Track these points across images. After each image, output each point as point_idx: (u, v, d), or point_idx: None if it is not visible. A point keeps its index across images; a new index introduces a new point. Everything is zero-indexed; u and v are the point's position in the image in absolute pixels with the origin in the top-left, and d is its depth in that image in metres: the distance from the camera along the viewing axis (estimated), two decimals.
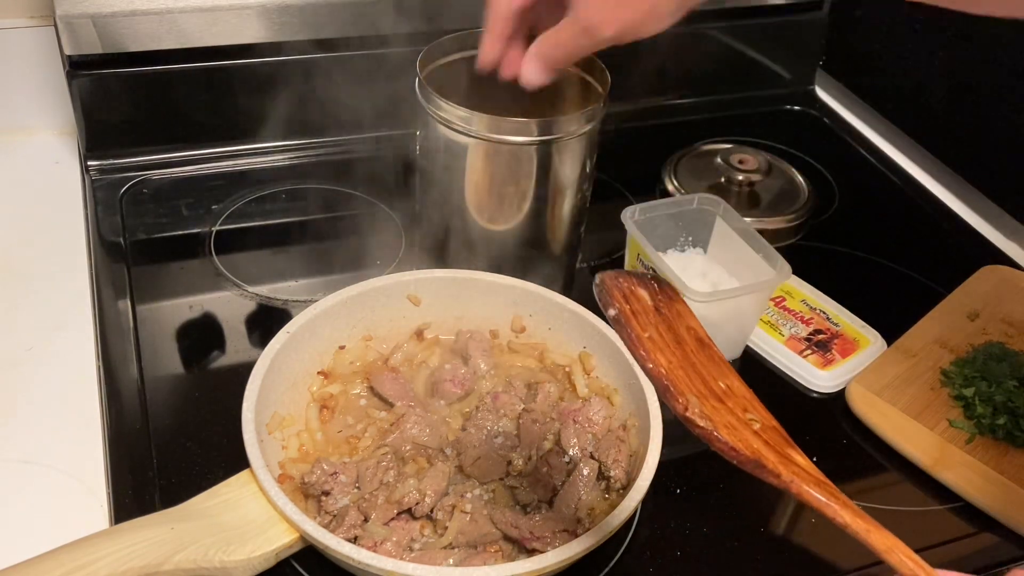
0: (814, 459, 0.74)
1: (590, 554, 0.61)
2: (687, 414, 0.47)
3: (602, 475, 0.68)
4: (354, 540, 0.61)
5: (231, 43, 0.95)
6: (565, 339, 0.78)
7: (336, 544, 0.58)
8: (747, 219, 0.83)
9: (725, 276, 0.84)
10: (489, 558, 0.62)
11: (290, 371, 0.71)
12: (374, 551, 0.59)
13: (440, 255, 0.85)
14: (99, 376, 0.76)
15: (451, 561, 0.62)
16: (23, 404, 0.73)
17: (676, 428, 0.53)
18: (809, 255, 0.97)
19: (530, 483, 0.67)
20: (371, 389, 0.74)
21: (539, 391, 0.73)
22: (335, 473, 0.65)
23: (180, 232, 0.92)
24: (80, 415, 0.73)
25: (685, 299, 0.52)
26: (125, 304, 0.83)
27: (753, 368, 0.83)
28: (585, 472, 0.67)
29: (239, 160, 1.01)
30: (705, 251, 0.87)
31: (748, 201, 1.01)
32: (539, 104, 0.85)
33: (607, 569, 0.65)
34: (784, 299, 0.87)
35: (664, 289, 0.52)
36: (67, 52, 0.91)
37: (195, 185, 0.97)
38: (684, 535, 0.68)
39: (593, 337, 0.76)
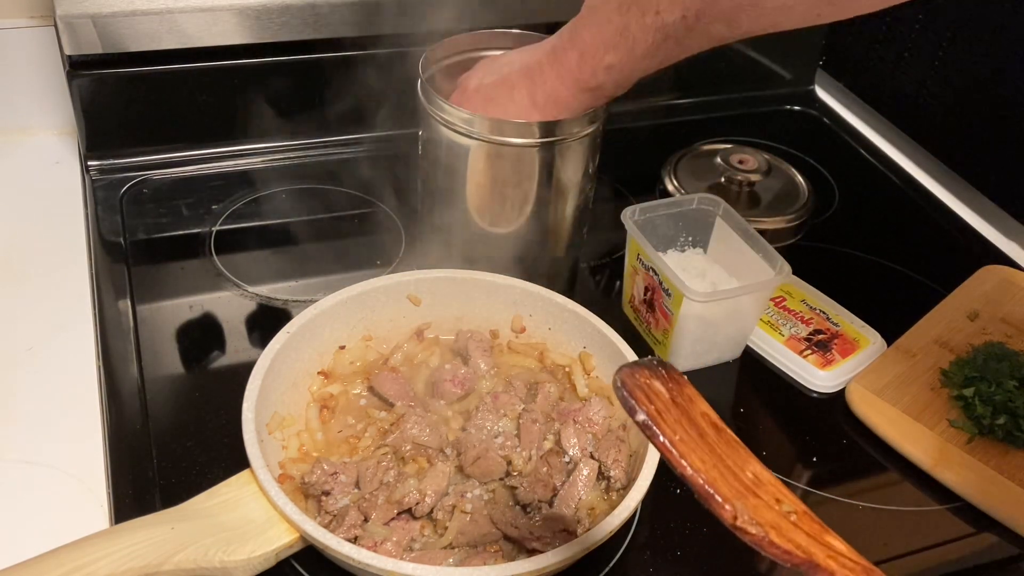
0: (814, 459, 0.76)
1: (590, 554, 0.61)
2: (738, 523, 0.45)
3: (602, 475, 0.68)
4: (354, 540, 0.61)
5: (231, 43, 0.95)
6: (565, 339, 0.78)
7: (336, 544, 0.58)
8: (747, 219, 0.83)
9: (725, 276, 0.84)
10: (489, 558, 0.62)
11: (290, 371, 0.71)
12: (374, 551, 0.59)
13: (440, 255, 0.85)
14: (99, 376, 0.76)
15: (451, 561, 0.62)
16: (23, 404, 0.73)
17: None
18: (809, 255, 0.97)
19: (530, 483, 0.67)
20: (371, 389, 0.74)
21: (539, 391, 0.73)
22: (335, 473, 0.65)
23: (180, 232, 0.92)
24: (80, 415, 0.73)
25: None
26: (125, 304, 0.83)
27: (753, 368, 0.83)
28: (585, 472, 0.67)
29: (239, 160, 1.01)
30: (705, 251, 0.87)
31: (748, 201, 1.01)
32: None
33: (607, 569, 0.65)
34: (784, 299, 0.87)
35: (672, 375, 0.51)
36: (67, 52, 0.91)
37: (195, 185, 0.97)
38: (684, 535, 0.68)
39: (593, 337, 0.76)
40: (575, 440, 0.69)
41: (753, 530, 0.45)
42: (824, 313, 0.85)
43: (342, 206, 0.97)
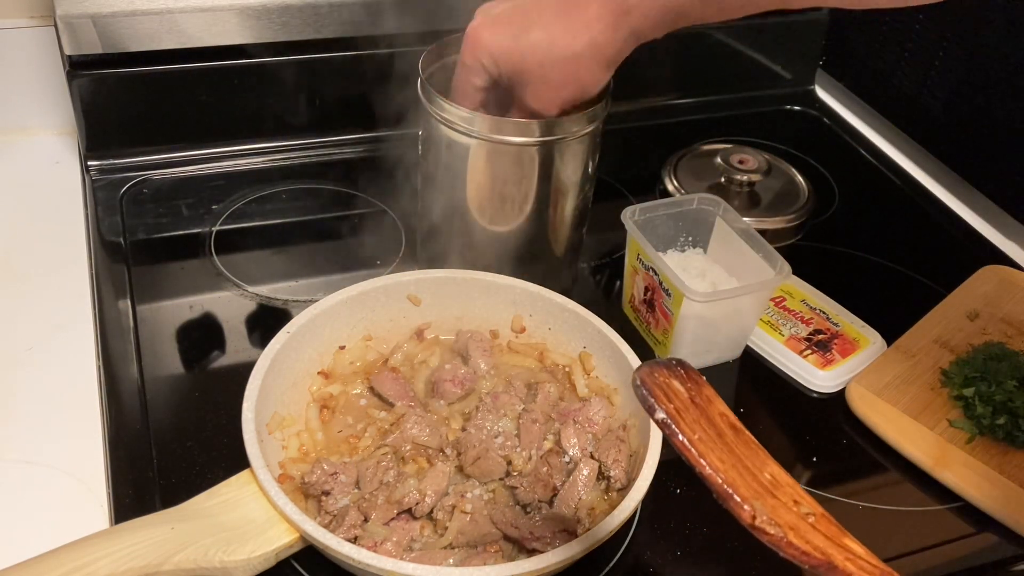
0: (814, 459, 0.76)
1: (590, 554, 0.60)
2: (756, 523, 0.45)
3: (602, 475, 0.68)
4: (354, 540, 0.61)
5: (231, 43, 0.95)
6: (565, 339, 0.78)
7: (336, 544, 0.58)
8: (747, 219, 0.83)
9: (725, 276, 0.84)
10: (489, 558, 0.62)
11: (290, 371, 0.71)
12: (374, 551, 0.59)
13: (440, 255, 0.85)
14: (99, 376, 0.76)
15: (451, 561, 0.62)
16: (23, 404, 0.73)
17: None
18: (809, 255, 0.97)
19: (530, 483, 0.67)
20: (371, 389, 0.74)
21: (539, 391, 0.73)
22: (335, 473, 0.65)
23: (180, 232, 0.92)
24: (80, 415, 0.73)
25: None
26: (125, 304, 0.83)
27: (753, 368, 0.83)
28: (585, 472, 0.67)
29: (239, 160, 1.01)
30: (705, 251, 0.87)
31: (748, 201, 1.01)
32: None
33: (607, 569, 0.65)
34: (784, 299, 0.87)
35: (690, 375, 0.51)
36: (67, 52, 0.91)
37: (195, 185, 0.97)
38: (684, 535, 0.68)
39: (593, 337, 0.76)
40: (575, 440, 0.69)
41: (772, 531, 0.45)
42: (824, 313, 0.85)
43: (342, 206, 0.97)
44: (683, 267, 0.84)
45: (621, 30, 0.68)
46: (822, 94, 1.25)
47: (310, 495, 0.65)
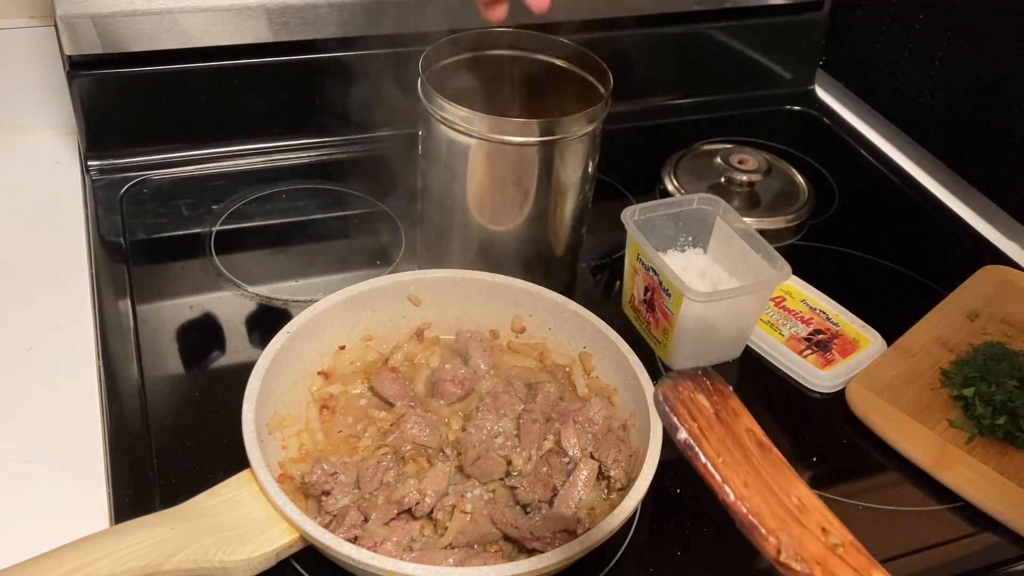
0: (814, 459, 0.76)
1: (590, 554, 0.61)
2: (781, 559, 0.42)
3: (602, 475, 0.68)
4: (354, 540, 0.61)
5: (231, 43, 0.95)
6: (565, 339, 0.78)
7: (336, 544, 0.58)
8: (747, 219, 0.83)
9: (725, 276, 0.84)
10: (489, 558, 0.62)
11: (290, 371, 0.71)
12: (374, 551, 0.59)
13: (440, 255, 0.85)
14: (99, 376, 0.76)
15: (451, 561, 0.62)
16: (23, 404, 0.73)
17: None
18: (809, 255, 0.97)
19: (530, 483, 0.67)
20: (371, 389, 0.74)
21: (539, 391, 0.73)
22: (335, 473, 0.65)
23: (180, 232, 0.92)
24: (80, 415, 0.73)
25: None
26: (125, 304, 0.83)
27: (753, 368, 0.83)
28: (585, 472, 0.67)
29: (239, 160, 1.01)
30: (705, 251, 0.87)
31: (748, 201, 1.01)
32: (541, 104, 0.85)
33: (607, 569, 0.65)
34: (784, 299, 0.87)
35: (716, 386, 0.47)
36: (67, 52, 0.91)
37: (195, 185, 0.97)
38: (684, 535, 0.68)
39: (593, 337, 0.76)
40: (575, 440, 0.69)
41: (797, 567, 0.42)
42: (824, 313, 0.85)
43: (342, 206, 0.97)
44: (683, 267, 0.84)
45: None
46: (822, 94, 1.25)
47: (310, 495, 0.65)
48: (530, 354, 0.78)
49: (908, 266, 0.96)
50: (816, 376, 0.81)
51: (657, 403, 0.45)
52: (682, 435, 0.45)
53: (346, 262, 0.90)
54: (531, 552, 0.62)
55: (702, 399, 0.46)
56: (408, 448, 0.68)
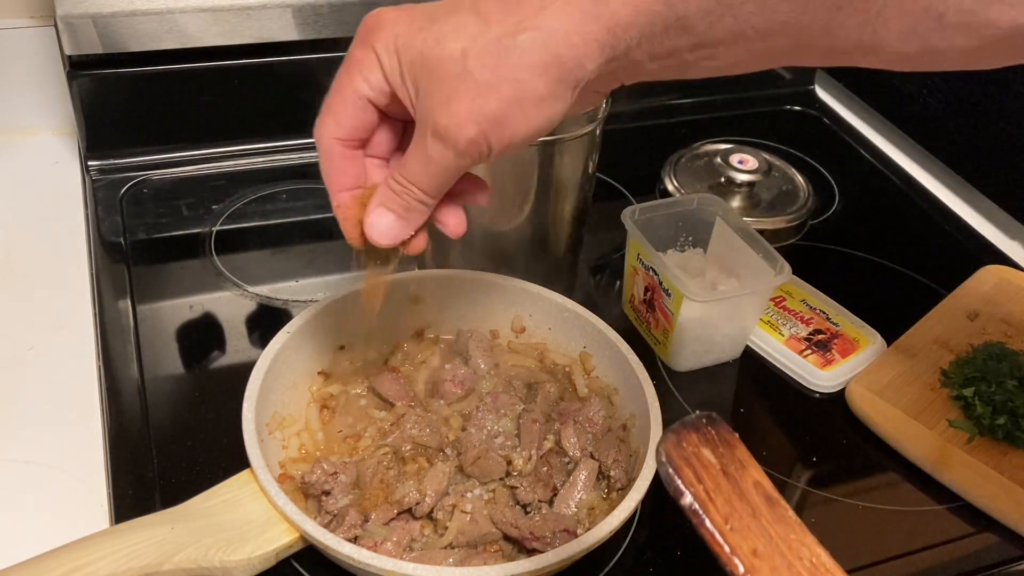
0: (814, 459, 0.76)
1: (590, 554, 0.61)
2: None
3: (602, 475, 0.68)
4: (354, 540, 0.61)
5: (231, 43, 0.95)
6: (565, 339, 0.78)
7: (336, 544, 0.58)
8: (747, 219, 0.83)
9: (725, 276, 0.84)
10: (489, 558, 0.62)
11: (290, 371, 0.71)
12: (374, 551, 0.59)
13: (441, 255, 0.85)
14: (99, 376, 0.76)
15: (451, 561, 0.62)
16: (23, 404, 0.73)
17: None
18: (809, 255, 0.97)
19: (530, 483, 0.67)
20: (371, 389, 0.74)
21: (539, 391, 0.73)
22: (335, 473, 0.65)
23: (180, 232, 0.92)
24: (80, 415, 0.73)
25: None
26: (125, 304, 0.83)
27: (753, 368, 0.83)
28: (585, 472, 0.67)
29: (239, 160, 1.01)
30: (705, 251, 0.87)
31: (748, 201, 1.01)
32: None
33: (607, 569, 0.65)
34: (784, 299, 0.87)
35: (722, 435, 0.44)
36: (67, 52, 0.91)
37: (195, 185, 0.98)
38: (684, 535, 0.68)
39: (593, 337, 0.76)
40: (575, 440, 0.69)
41: None
42: (824, 313, 0.85)
43: None
44: (683, 267, 0.84)
45: (592, 23, 0.47)
46: (822, 94, 1.25)
47: (310, 495, 0.65)
48: (530, 354, 0.78)
49: (908, 266, 0.96)
50: (816, 376, 0.81)
51: (660, 464, 0.42)
52: (687, 500, 0.42)
53: (346, 262, 0.90)
54: (531, 552, 0.62)
55: (707, 453, 0.43)
56: (408, 448, 0.69)
